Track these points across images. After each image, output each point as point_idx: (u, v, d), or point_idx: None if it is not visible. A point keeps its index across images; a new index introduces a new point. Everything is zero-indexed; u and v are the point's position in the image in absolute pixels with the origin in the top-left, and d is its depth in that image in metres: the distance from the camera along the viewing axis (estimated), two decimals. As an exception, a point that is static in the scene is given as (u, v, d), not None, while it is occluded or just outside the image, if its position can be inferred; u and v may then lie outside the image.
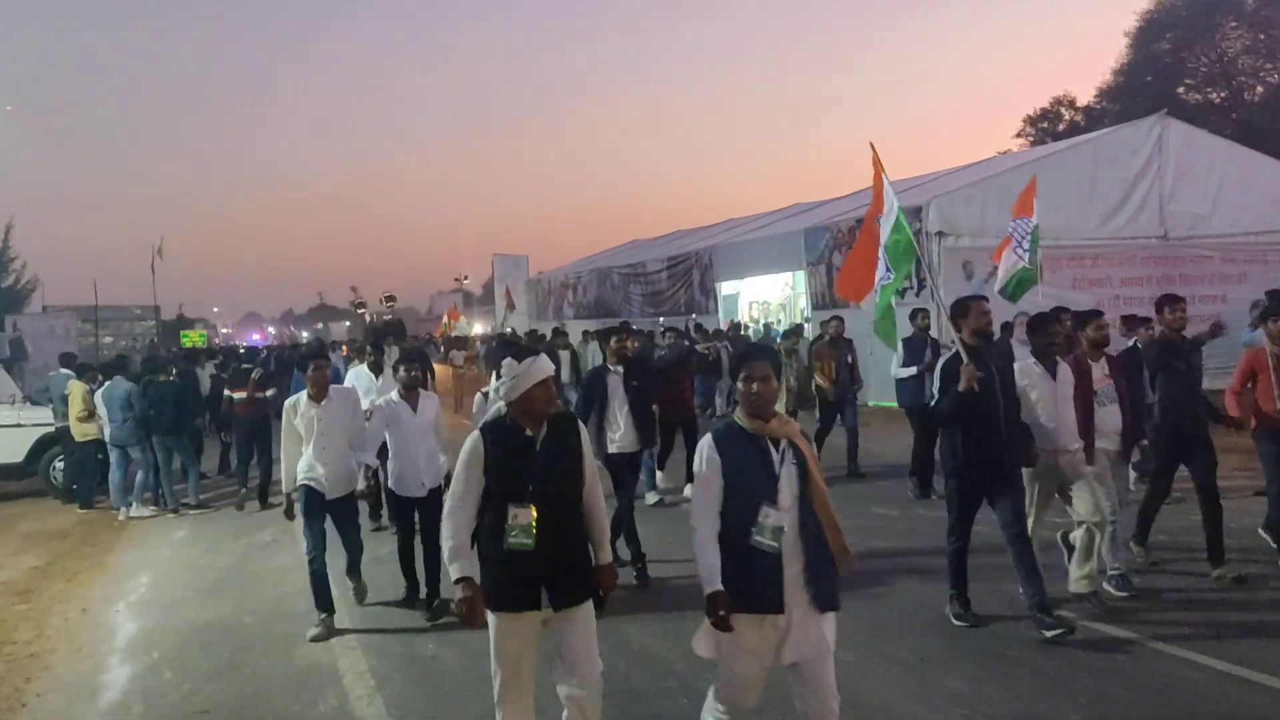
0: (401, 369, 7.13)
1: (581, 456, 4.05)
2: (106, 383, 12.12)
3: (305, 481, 6.89)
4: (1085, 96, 39.58)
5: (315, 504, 6.89)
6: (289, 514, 7.05)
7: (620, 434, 7.87)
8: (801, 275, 20.18)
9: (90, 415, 12.20)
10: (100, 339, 46.03)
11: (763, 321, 23.38)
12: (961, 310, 6.23)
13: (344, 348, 28.07)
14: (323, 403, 6.98)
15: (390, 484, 7.13)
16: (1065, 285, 16.48)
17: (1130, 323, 11.03)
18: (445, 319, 33.98)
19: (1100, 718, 4.76)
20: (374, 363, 9.94)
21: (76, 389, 12.39)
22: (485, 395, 6.99)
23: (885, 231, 7.23)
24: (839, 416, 11.83)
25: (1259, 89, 34.13)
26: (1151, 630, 5.81)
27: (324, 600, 6.79)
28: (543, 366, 3.95)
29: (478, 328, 44.79)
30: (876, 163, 7.44)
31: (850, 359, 11.87)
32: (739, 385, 3.87)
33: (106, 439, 12.02)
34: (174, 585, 8.46)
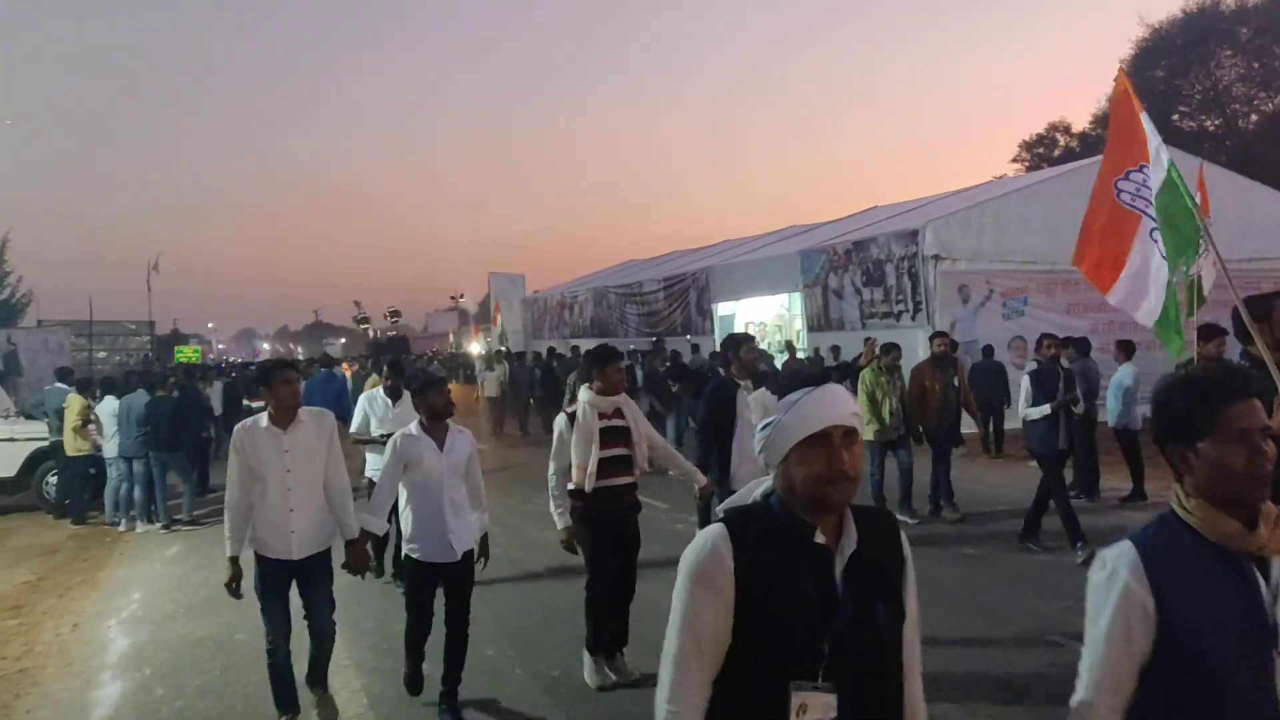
0: (429, 393, 5.38)
1: (905, 582, 2.18)
2: (105, 396, 12.15)
3: (259, 549, 5.19)
4: (1081, 123, 39.85)
5: (275, 575, 5.20)
6: (233, 590, 5.24)
7: (746, 462, 6.36)
8: (798, 297, 20.23)
9: (86, 429, 12.21)
10: (94, 354, 45.88)
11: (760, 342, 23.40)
12: (1263, 310, 4.63)
13: (345, 364, 27.74)
14: (289, 429, 5.14)
15: (406, 548, 5.49)
16: (1060, 310, 16.56)
17: (1125, 347, 11.14)
18: (450, 337, 34.04)
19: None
20: (392, 387, 8.36)
21: (75, 403, 12.37)
22: (570, 417, 5.69)
23: (1152, 192, 5.50)
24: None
25: (1253, 117, 34.36)
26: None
27: (286, 700, 5.31)
28: (838, 401, 2.06)
29: (474, 346, 44.70)
30: (1126, 95, 5.69)
31: (956, 382, 10.65)
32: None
33: (106, 453, 12.01)
34: (166, 601, 8.43)
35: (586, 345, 26.23)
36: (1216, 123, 35.05)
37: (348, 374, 19.83)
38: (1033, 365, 9.16)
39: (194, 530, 11.75)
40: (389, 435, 7.01)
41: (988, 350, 14.51)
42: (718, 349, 17.92)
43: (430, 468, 5.25)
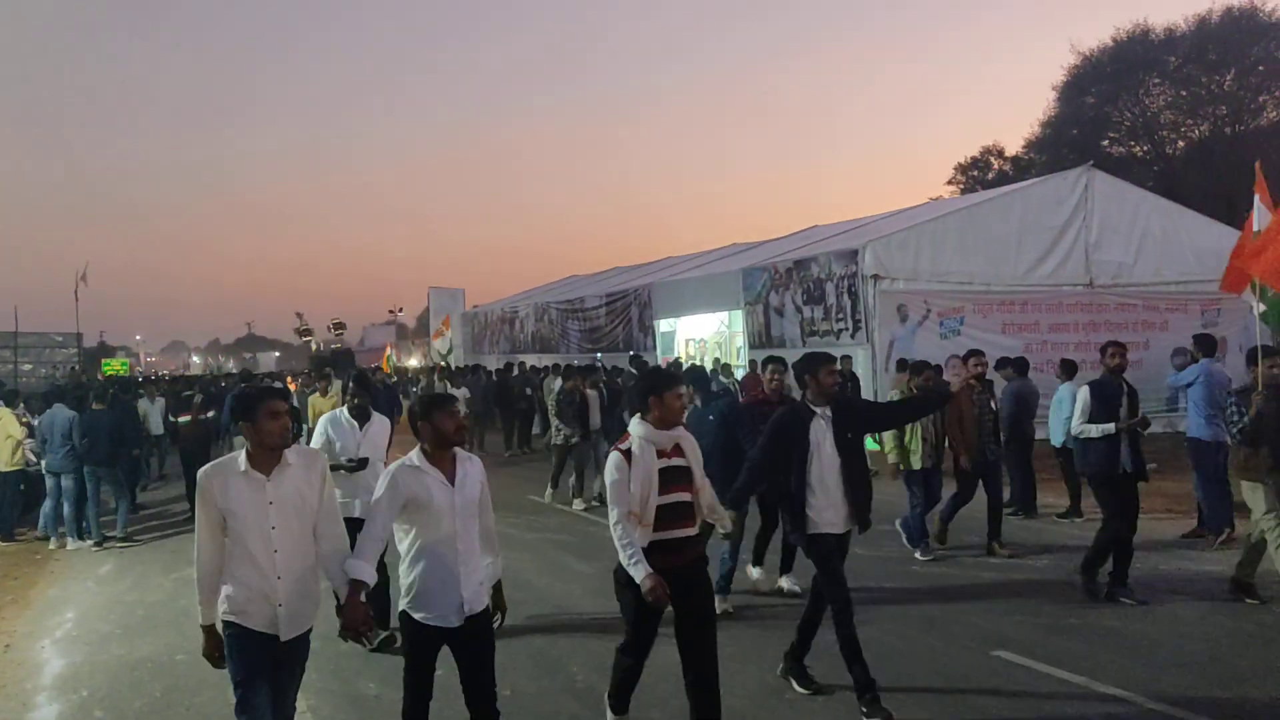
0: (437, 415, 4.33)
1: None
2: (46, 410, 11.90)
3: (236, 618, 4.07)
4: (1013, 147, 40.75)
5: (257, 654, 4.09)
6: (216, 661, 4.18)
7: (829, 505, 5.61)
8: (739, 314, 20.38)
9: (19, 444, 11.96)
10: (20, 366, 44.71)
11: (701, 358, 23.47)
12: None
13: (290, 379, 27.10)
14: (274, 474, 4.09)
15: (405, 605, 4.42)
16: (996, 330, 16.89)
17: (1068, 367, 11.43)
18: (387, 351, 33.73)
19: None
20: (357, 406, 7.25)
21: (8, 416, 12.07)
22: (626, 455, 4.74)
23: None
24: (980, 483, 9.40)
25: (1180, 144, 35.35)
26: (1093, 672, 5.93)
27: None
28: None
29: (412, 361, 44.31)
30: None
31: (994, 407, 9.73)
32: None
33: (44, 468, 11.74)
34: (101, 621, 8.23)
35: (531, 360, 26.32)
36: (1145, 149, 36.02)
37: (292, 388, 19.43)
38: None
39: (127, 548, 11.49)
40: (357, 464, 6.94)
41: (937, 370, 14.74)
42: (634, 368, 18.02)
43: (440, 507, 4.26)
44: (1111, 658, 6.16)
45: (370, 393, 7.65)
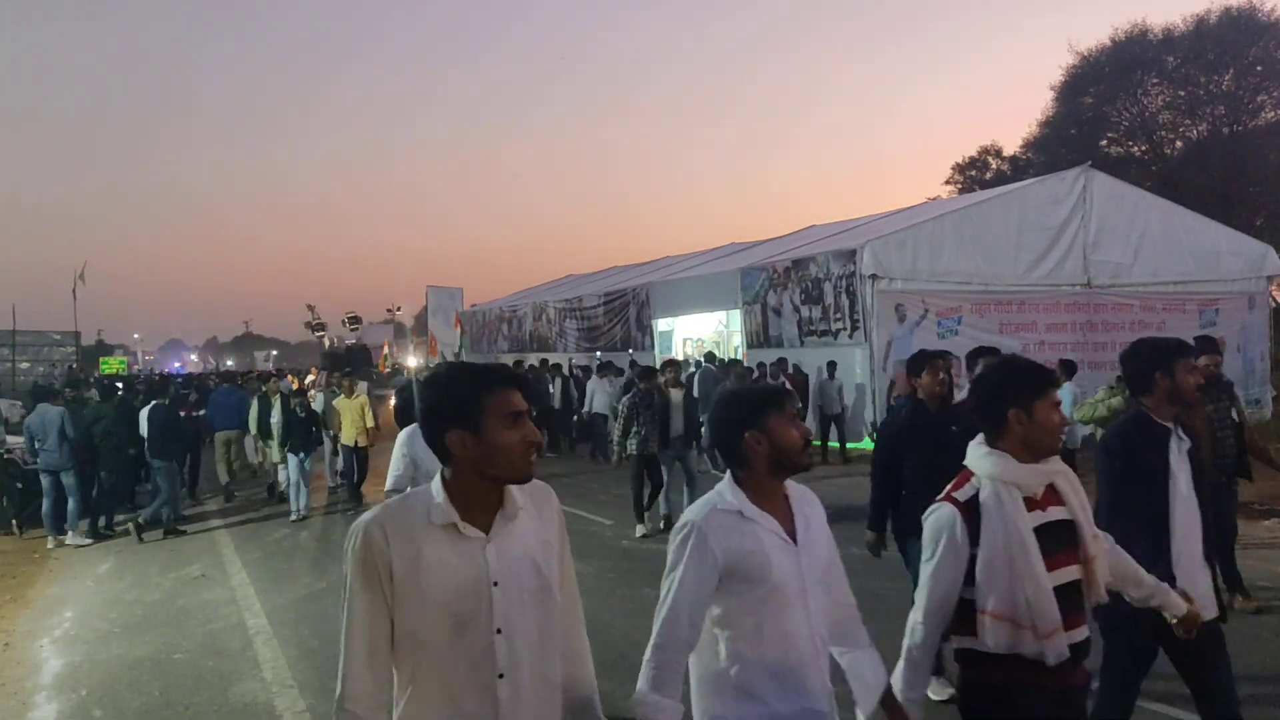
0: (771, 419, 2.72)
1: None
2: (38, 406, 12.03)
3: None
4: (1012, 147, 40.71)
5: None
6: None
7: (1192, 571, 4.09)
8: (737, 314, 20.40)
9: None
10: (17, 364, 44.74)
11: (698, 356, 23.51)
12: None
13: (292, 377, 26.57)
14: (497, 526, 2.26)
15: None
16: (993, 330, 16.90)
17: (1068, 367, 11.50)
18: (385, 349, 33.62)
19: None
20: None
21: None
22: (959, 505, 2.92)
23: None
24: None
25: (1178, 144, 35.33)
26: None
27: None
28: None
29: (411, 360, 44.19)
30: None
31: (1235, 414, 7.01)
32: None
33: (39, 466, 11.83)
34: (100, 620, 8.25)
35: (531, 359, 26.32)
36: (1143, 149, 36.00)
37: (295, 387, 18.99)
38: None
39: (127, 547, 11.50)
40: None
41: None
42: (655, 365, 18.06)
43: (781, 578, 2.63)
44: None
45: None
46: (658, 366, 12.37)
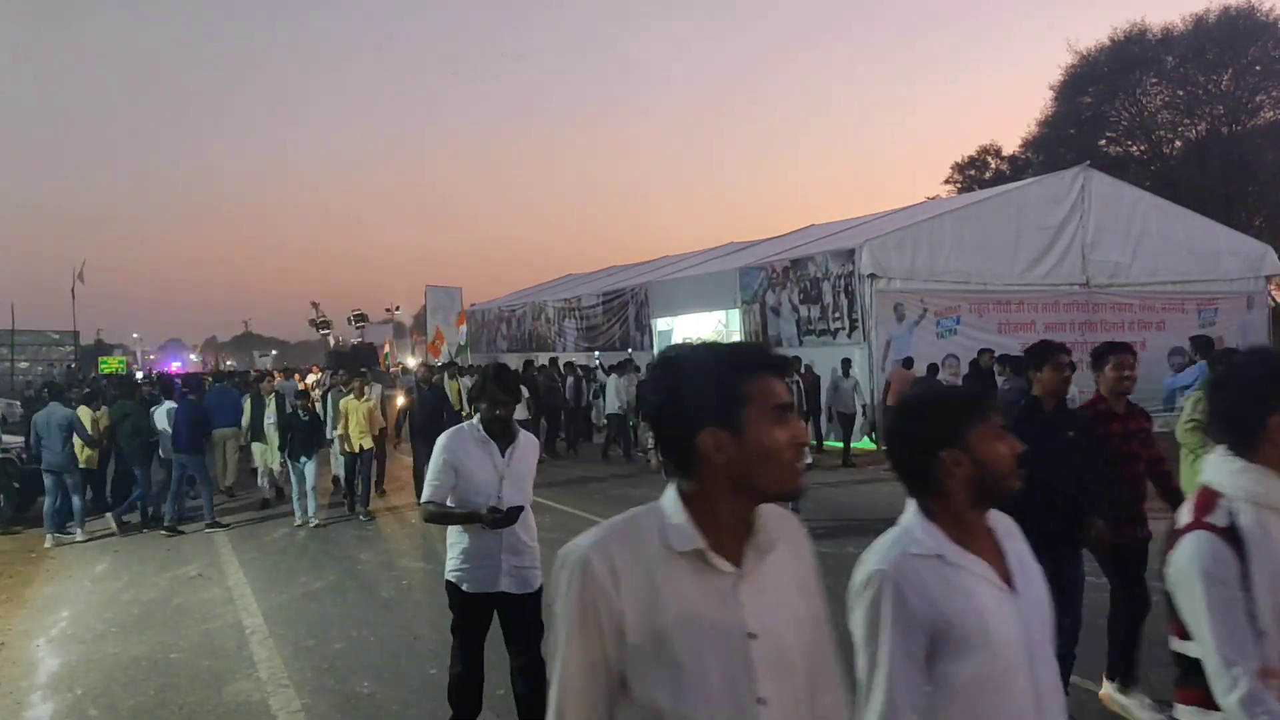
0: (976, 432, 2.10)
1: None
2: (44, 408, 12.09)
3: None
4: (1011, 146, 40.73)
5: None
6: None
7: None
8: (735, 313, 20.40)
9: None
10: (16, 364, 44.77)
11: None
12: None
13: (298, 377, 26.09)
14: (748, 557, 1.76)
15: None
16: (992, 329, 16.92)
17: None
18: (385, 349, 33.52)
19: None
20: (498, 419, 4.57)
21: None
22: (1227, 537, 2.22)
23: None
24: None
25: (1177, 143, 35.35)
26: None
27: None
28: None
29: (410, 359, 44.13)
30: None
31: None
32: None
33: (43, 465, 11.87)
34: (96, 620, 8.23)
35: (514, 360, 26.24)
36: (1142, 148, 36.01)
37: (302, 387, 17.73)
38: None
39: (122, 547, 11.49)
40: (504, 514, 4.40)
41: (932, 369, 14.83)
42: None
43: (1004, 638, 2.04)
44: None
45: (518, 397, 4.98)
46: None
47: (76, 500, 11.86)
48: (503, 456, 4.52)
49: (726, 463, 1.69)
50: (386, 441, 15.06)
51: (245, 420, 14.14)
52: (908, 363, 14.97)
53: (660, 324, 23.65)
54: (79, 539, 11.75)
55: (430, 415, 13.10)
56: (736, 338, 20.93)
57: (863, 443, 15.52)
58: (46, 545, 11.52)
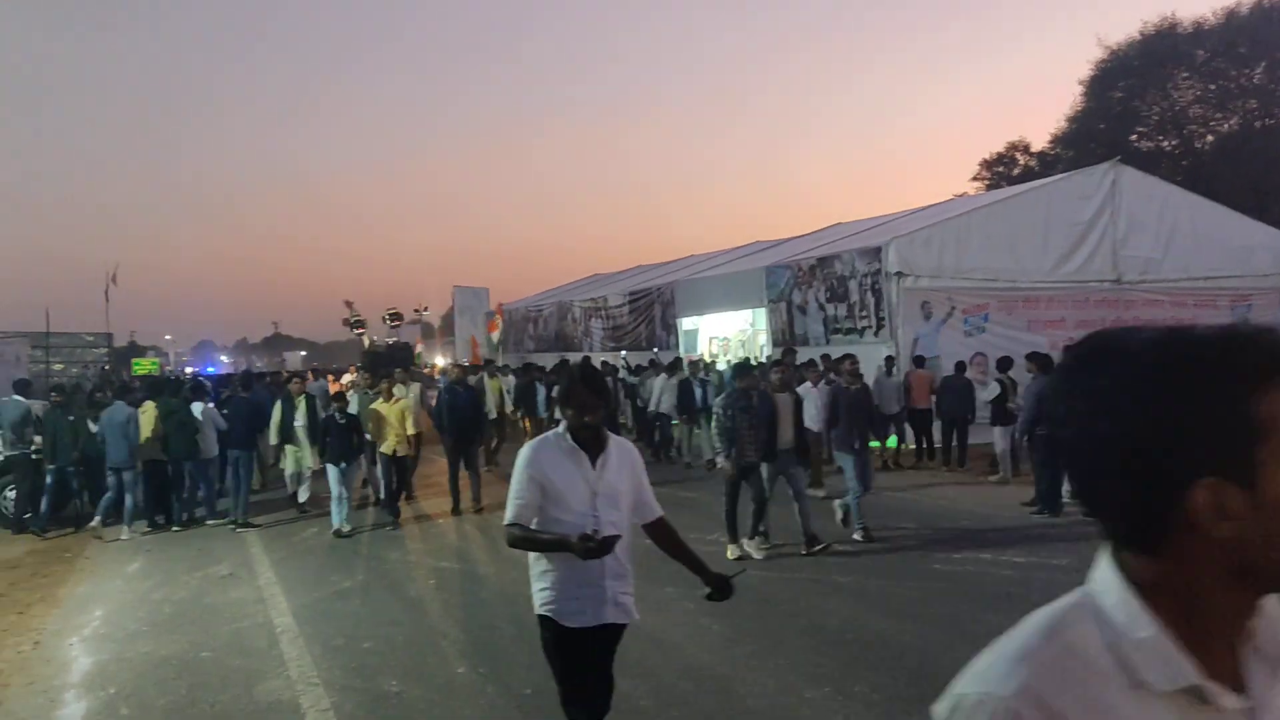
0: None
1: None
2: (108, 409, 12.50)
3: None
4: (1040, 142, 40.43)
5: None
6: None
7: None
8: (762, 312, 20.34)
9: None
10: (51, 365, 45.26)
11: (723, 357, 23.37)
12: None
13: (330, 377, 25.66)
14: (1260, 683, 1.10)
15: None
16: (1020, 327, 16.77)
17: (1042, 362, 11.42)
18: (419, 348, 33.40)
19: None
20: (587, 426, 4.01)
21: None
22: None
23: None
24: None
25: (1209, 138, 34.96)
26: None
27: None
28: None
29: (439, 360, 44.15)
30: None
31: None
32: None
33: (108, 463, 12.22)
34: (128, 619, 8.32)
35: (547, 359, 26.28)
36: (1174, 143, 35.65)
37: (334, 389, 16.85)
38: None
39: (154, 546, 11.60)
40: (598, 544, 3.62)
41: (960, 366, 14.72)
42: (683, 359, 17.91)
43: None
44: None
45: (609, 401, 4.55)
46: (764, 361, 11.33)
47: (129, 499, 12.19)
48: (593, 468, 3.95)
49: (1233, 535, 1.04)
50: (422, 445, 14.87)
51: (275, 421, 13.49)
52: (918, 361, 14.97)
53: (686, 323, 23.62)
54: (124, 538, 11.97)
55: (463, 417, 12.96)
56: (762, 337, 20.88)
57: (891, 441, 15.33)
58: (92, 525, 12.36)
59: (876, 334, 16.50)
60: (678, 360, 18.70)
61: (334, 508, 11.68)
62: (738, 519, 9.34)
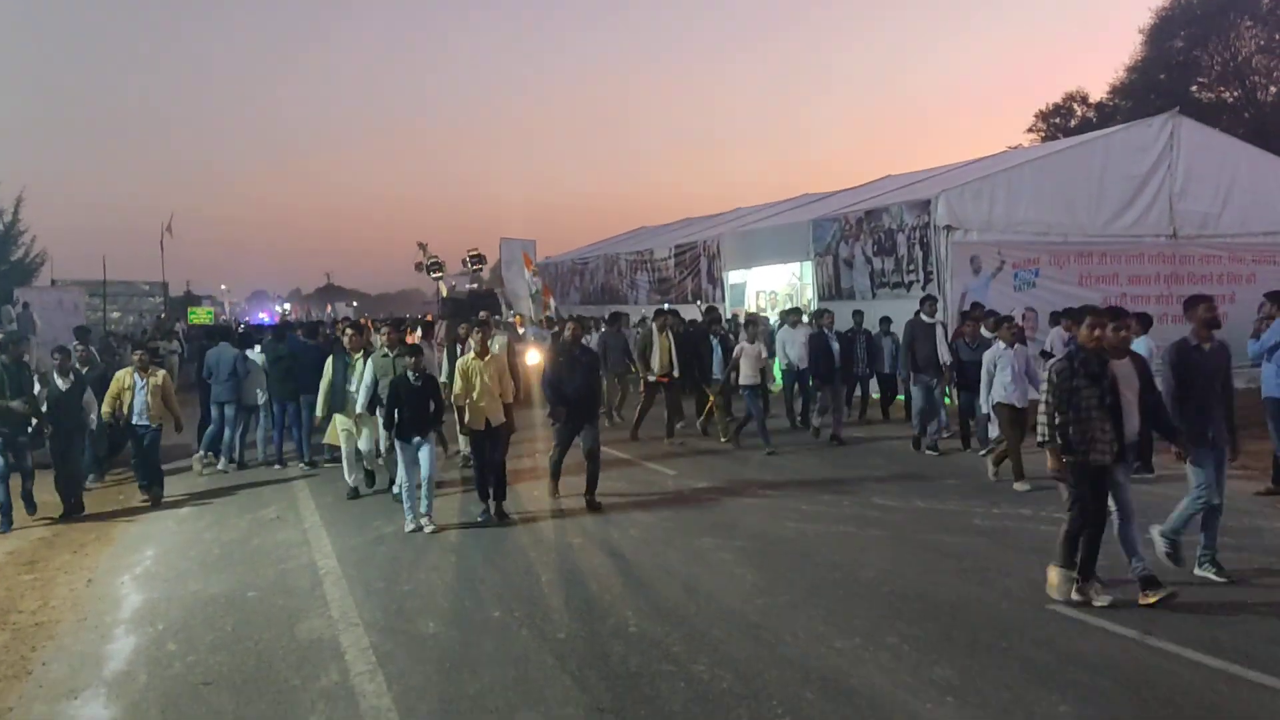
0: None
1: None
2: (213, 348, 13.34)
3: None
4: (1098, 93, 39.51)
5: None
6: None
7: None
8: (809, 266, 20.17)
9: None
10: (109, 314, 46.12)
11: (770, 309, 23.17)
12: None
13: (409, 329, 21.93)
14: None
15: None
16: (1072, 282, 16.49)
17: (1144, 321, 11.12)
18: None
19: (1088, 710, 4.80)
20: None
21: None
22: None
23: None
24: None
25: (1272, 89, 34.00)
26: (1146, 626, 5.85)
27: None
28: None
29: (483, 311, 43.71)
30: None
31: None
32: None
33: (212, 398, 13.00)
34: (179, 559, 8.53)
35: (594, 310, 26.30)
36: (1235, 94, 34.70)
37: (410, 340, 12.74)
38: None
39: (207, 488, 11.84)
40: None
41: (978, 308, 14.43)
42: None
43: None
44: (1165, 612, 6.06)
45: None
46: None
47: (229, 433, 13.05)
48: None
49: None
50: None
51: (324, 386, 11.10)
52: (976, 308, 13.95)
53: (733, 276, 23.48)
54: (220, 468, 12.97)
55: (584, 384, 9.99)
56: (809, 290, 20.71)
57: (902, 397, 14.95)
58: (196, 469, 12.96)
59: (924, 288, 16.31)
60: (795, 310, 15.86)
61: (405, 499, 9.20)
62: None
